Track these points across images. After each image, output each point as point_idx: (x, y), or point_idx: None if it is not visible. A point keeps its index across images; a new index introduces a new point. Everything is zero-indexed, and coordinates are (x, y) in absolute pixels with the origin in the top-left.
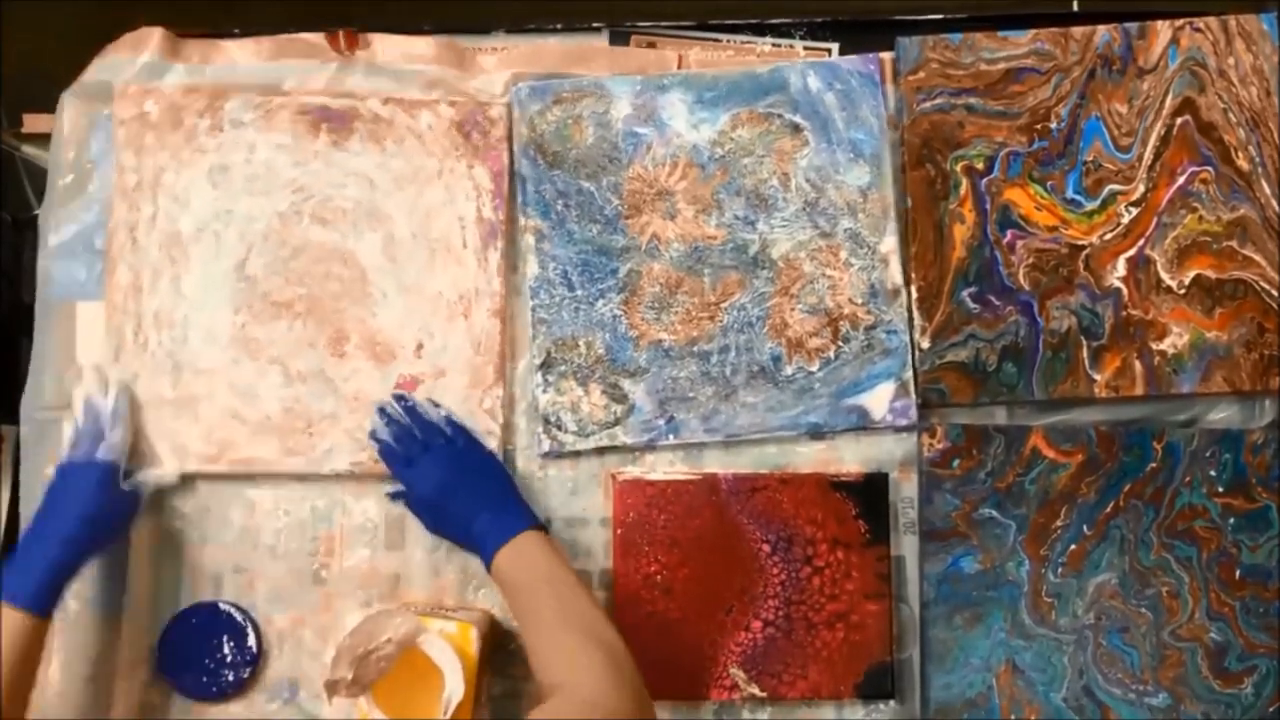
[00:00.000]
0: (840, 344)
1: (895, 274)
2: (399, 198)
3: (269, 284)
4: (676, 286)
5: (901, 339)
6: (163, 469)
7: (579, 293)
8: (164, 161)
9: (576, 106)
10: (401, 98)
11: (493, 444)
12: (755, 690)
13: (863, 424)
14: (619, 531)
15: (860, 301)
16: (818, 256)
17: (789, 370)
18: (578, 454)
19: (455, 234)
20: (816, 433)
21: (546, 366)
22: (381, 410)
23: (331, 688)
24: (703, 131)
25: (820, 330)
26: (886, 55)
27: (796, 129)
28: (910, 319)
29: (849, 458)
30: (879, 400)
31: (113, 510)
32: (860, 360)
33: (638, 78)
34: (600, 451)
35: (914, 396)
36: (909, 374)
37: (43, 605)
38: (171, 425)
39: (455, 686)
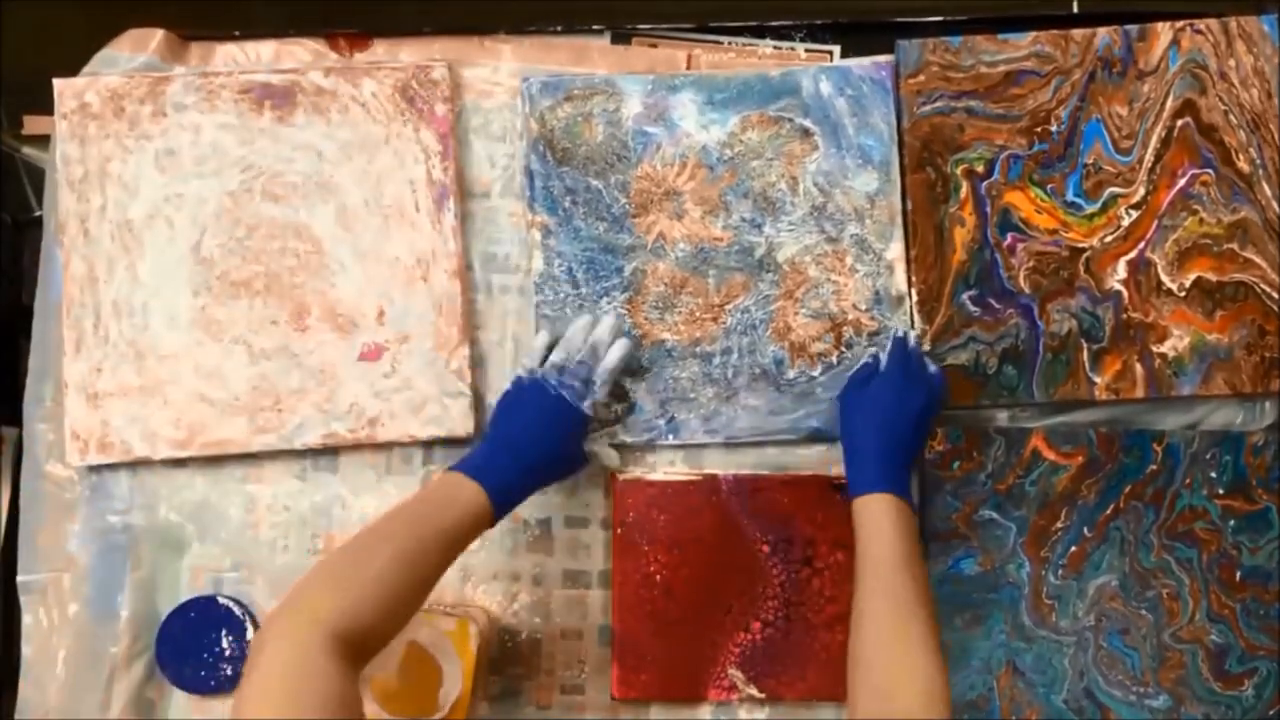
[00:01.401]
0: (843, 349)
1: (900, 281)
2: (348, 167)
3: (226, 264)
4: (681, 287)
5: None
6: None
7: (583, 290)
8: (109, 150)
9: (587, 104)
10: (343, 67)
11: (463, 404)
12: (753, 691)
13: None
14: (619, 531)
15: (864, 308)
16: (823, 261)
17: (791, 374)
18: None
19: (407, 199)
20: (818, 436)
21: None
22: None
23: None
24: (712, 132)
25: (823, 335)
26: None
27: (806, 133)
28: (911, 322)
29: None
30: None
31: (571, 461)
32: None
33: (649, 76)
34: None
35: None
36: None
37: (501, 506)
38: (140, 413)
39: (453, 683)
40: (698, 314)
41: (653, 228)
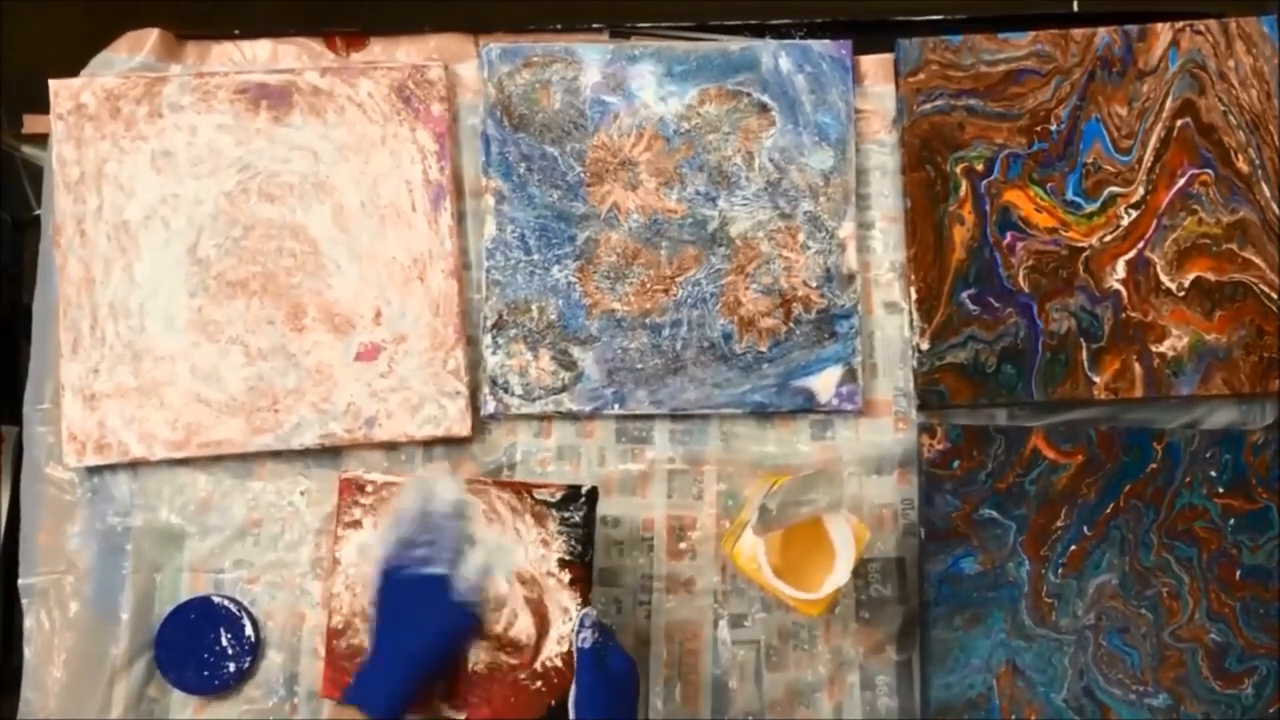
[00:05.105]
0: (791, 325)
1: (851, 260)
2: (344, 168)
3: (222, 264)
4: (633, 258)
5: (853, 324)
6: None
7: (535, 257)
8: (105, 151)
9: (546, 71)
10: (339, 68)
11: (460, 404)
12: None
13: (809, 406)
14: None
15: (814, 285)
16: (776, 237)
17: (739, 348)
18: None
19: (404, 198)
20: (763, 410)
21: (497, 329)
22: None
23: (763, 514)
24: (670, 104)
25: (773, 311)
26: (887, 56)
27: (764, 108)
28: (910, 320)
29: (848, 456)
30: (826, 384)
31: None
32: (810, 343)
33: (609, 46)
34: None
35: (860, 382)
36: (858, 359)
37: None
38: (137, 414)
39: (843, 571)
40: (649, 285)
41: (607, 197)
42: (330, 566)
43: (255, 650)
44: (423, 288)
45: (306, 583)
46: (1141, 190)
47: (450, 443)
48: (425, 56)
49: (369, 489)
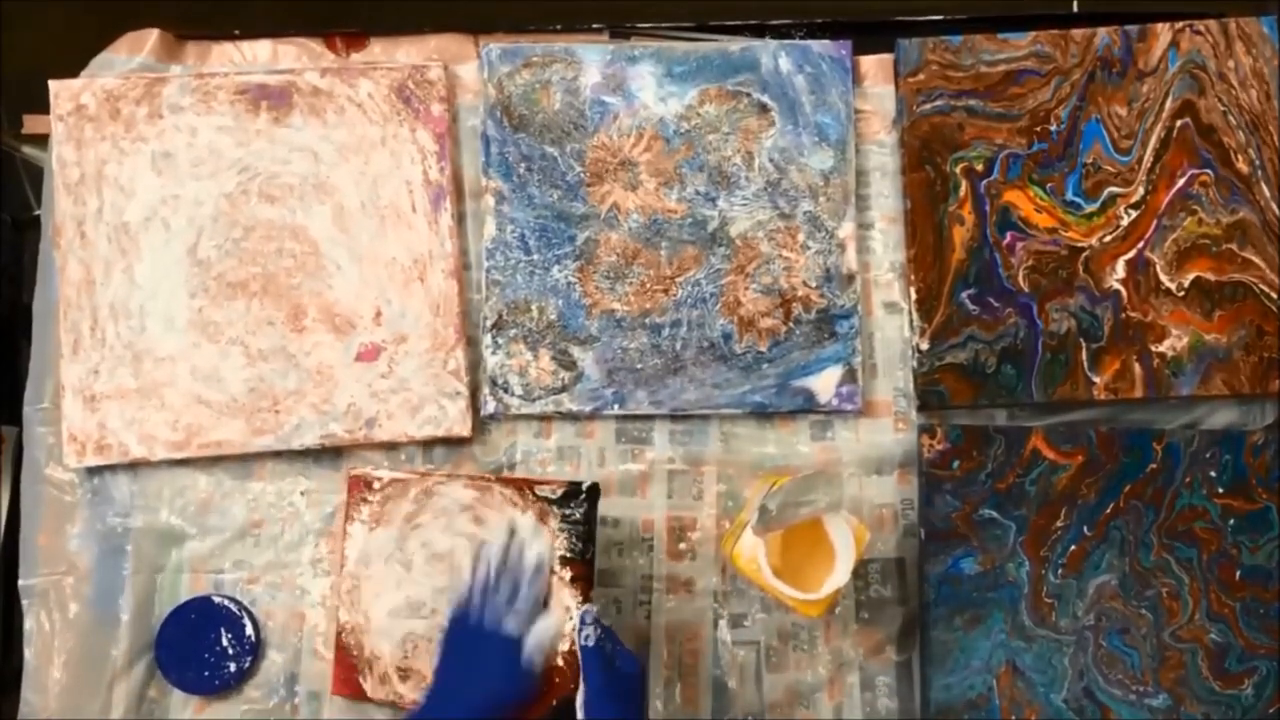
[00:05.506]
0: (791, 325)
1: (851, 260)
2: (345, 168)
3: (222, 265)
4: (633, 258)
5: (852, 325)
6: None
7: (535, 257)
8: (105, 153)
9: (546, 71)
10: (339, 68)
11: (460, 404)
12: None
13: (809, 406)
14: None
15: (814, 285)
16: (775, 237)
17: (739, 348)
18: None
19: (404, 199)
20: (762, 411)
21: (497, 329)
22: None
23: (763, 515)
24: (670, 105)
25: (773, 311)
26: (887, 56)
27: (764, 109)
28: (910, 320)
29: (848, 457)
30: (826, 384)
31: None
32: (810, 343)
33: (609, 47)
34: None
35: (860, 382)
36: (858, 359)
37: None
38: (137, 415)
39: (843, 572)
40: (648, 285)
41: (607, 198)
42: (339, 563)
43: (255, 650)
44: (423, 288)
45: (307, 583)
46: (1141, 190)
47: (450, 443)
48: (425, 57)
49: (376, 485)
